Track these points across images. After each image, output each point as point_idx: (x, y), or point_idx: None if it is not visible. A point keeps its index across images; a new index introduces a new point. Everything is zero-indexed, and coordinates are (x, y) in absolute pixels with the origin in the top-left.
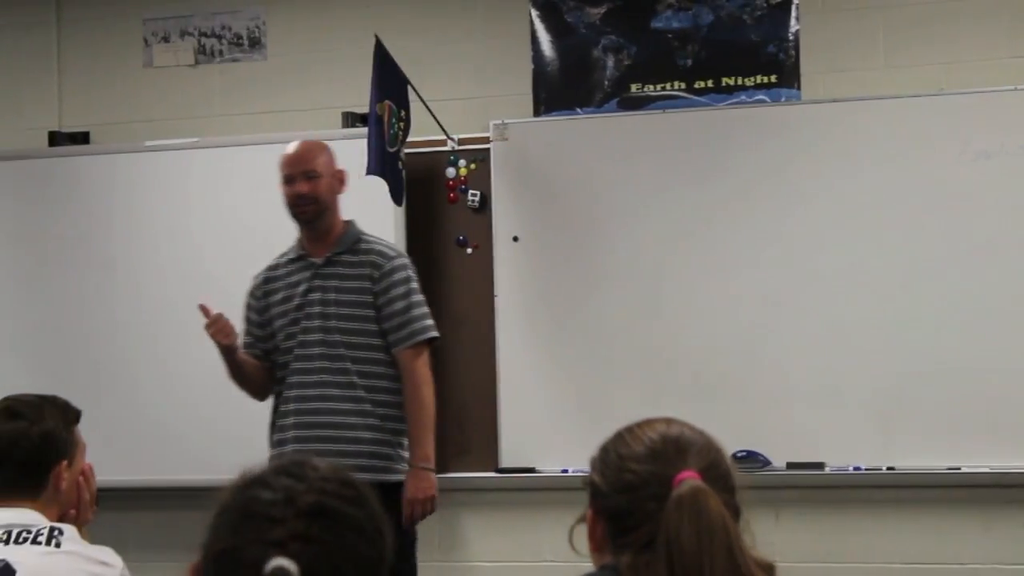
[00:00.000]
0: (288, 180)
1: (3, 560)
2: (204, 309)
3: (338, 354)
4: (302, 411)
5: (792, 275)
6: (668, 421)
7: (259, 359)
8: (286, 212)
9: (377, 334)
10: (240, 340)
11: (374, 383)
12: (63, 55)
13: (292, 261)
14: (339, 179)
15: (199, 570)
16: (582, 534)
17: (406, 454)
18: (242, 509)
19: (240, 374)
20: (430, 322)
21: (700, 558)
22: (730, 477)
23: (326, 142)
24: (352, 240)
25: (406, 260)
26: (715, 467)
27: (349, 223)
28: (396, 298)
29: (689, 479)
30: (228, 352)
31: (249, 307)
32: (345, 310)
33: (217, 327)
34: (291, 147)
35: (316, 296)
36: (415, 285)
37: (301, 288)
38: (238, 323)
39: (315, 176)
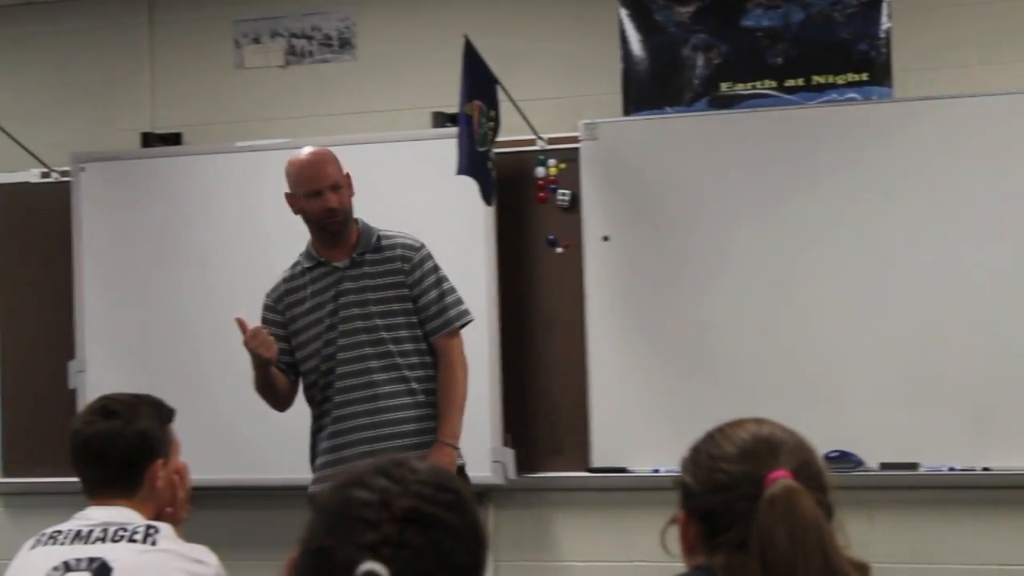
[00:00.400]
0: (317, 194)
1: (100, 558)
2: (242, 323)
3: (386, 350)
4: (361, 413)
5: (885, 273)
6: (759, 421)
7: (283, 372)
8: (307, 222)
9: (416, 324)
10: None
11: (421, 373)
12: (155, 57)
13: (310, 270)
14: (350, 184)
15: (295, 565)
16: (674, 535)
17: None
18: (338, 508)
19: (269, 386)
20: (464, 307)
21: (794, 558)
22: (822, 476)
23: (329, 150)
24: (372, 238)
25: (425, 249)
26: (807, 466)
27: (360, 222)
28: (429, 288)
29: (782, 478)
30: (265, 365)
31: (270, 322)
32: (384, 307)
33: (258, 340)
34: (304, 160)
35: (351, 298)
36: (443, 272)
37: (330, 293)
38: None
39: (340, 187)
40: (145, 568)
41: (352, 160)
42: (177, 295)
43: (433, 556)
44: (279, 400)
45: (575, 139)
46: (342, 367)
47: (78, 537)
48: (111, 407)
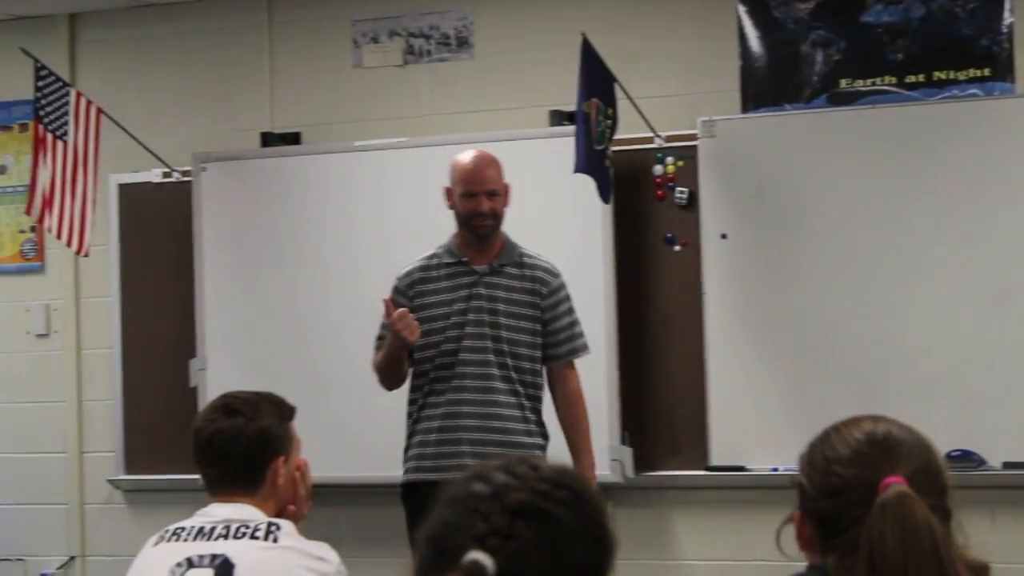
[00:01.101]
0: (472, 196)
1: (222, 554)
2: (388, 305)
3: (503, 362)
4: (475, 415)
5: (1006, 271)
6: (875, 419)
7: None
8: (457, 219)
9: (537, 346)
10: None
11: (531, 392)
12: (275, 57)
13: (448, 265)
14: (507, 193)
15: (416, 553)
16: (788, 534)
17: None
18: (457, 499)
19: (394, 368)
20: (585, 339)
21: (904, 564)
22: (941, 478)
23: (494, 156)
24: (515, 253)
25: (562, 277)
26: (924, 470)
27: (504, 234)
28: (562, 314)
29: (895, 484)
30: (403, 348)
31: (398, 304)
32: (512, 321)
33: (405, 323)
34: (470, 160)
35: (483, 303)
36: (570, 302)
37: (462, 293)
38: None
39: (497, 195)
40: (267, 565)
41: None
42: (296, 294)
43: (544, 551)
44: (394, 381)
45: (693, 137)
46: (463, 367)
47: (201, 534)
48: (233, 405)
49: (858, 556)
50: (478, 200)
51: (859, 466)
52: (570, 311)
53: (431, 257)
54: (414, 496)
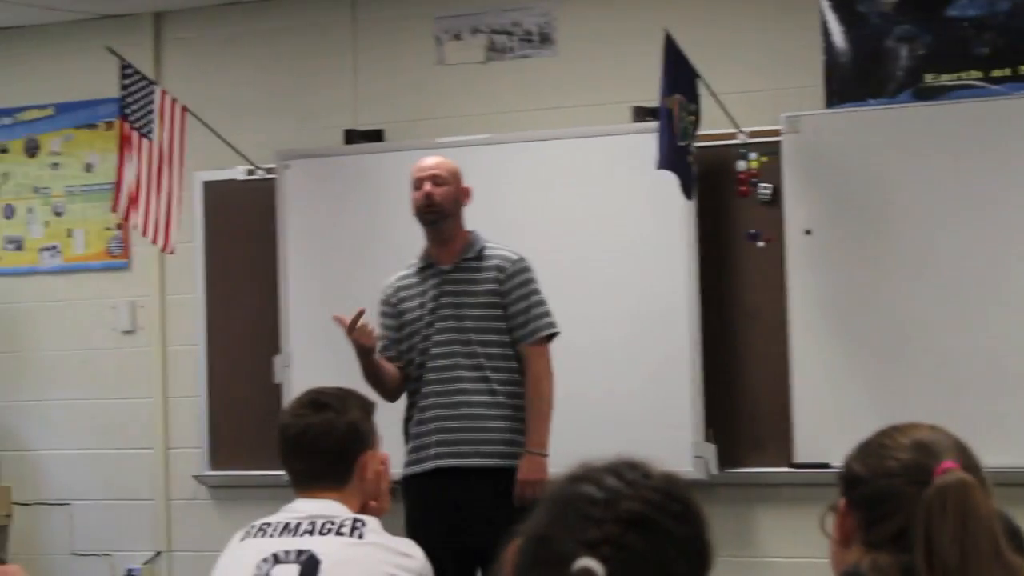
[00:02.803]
0: (417, 187)
1: (308, 550)
2: (339, 320)
3: (472, 351)
4: (441, 404)
5: None
6: (932, 427)
7: (393, 361)
8: (417, 220)
9: (505, 332)
10: (378, 345)
11: (505, 377)
12: (358, 55)
13: (421, 270)
14: (464, 192)
15: (518, 550)
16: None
17: None
18: (565, 500)
19: (375, 375)
20: (550, 319)
21: (964, 549)
22: (987, 481)
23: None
24: (477, 247)
25: (526, 263)
26: (976, 469)
27: (472, 232)
28: (519, 298)
29: (953, 469)
30: (366, 354)
31: (385, 314)
32: (477, 311)
33: (358, 331)
34: (420, 160)
35: (448, 300)
36: (536, 286)
37: (432, 293)
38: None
39: (442, 183)
40: (352, 561)
41: (552, 155)
42: (378, 290)
43: (652, 563)
44: (387, 391)
45: (776, 132)
46: (433, 361)
47: (286, 529)
48: (322, 400)
49: (902, 549)
50: (420, 187)
51: (917, 452)
52: (528, 294)
53: (411, 265)
54: (406, 491)
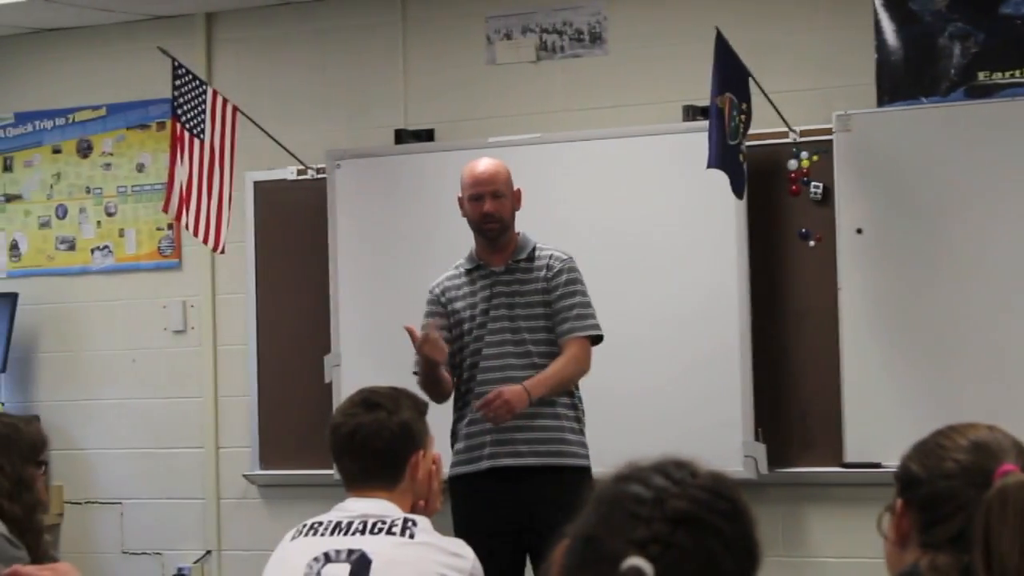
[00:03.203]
0: (476, 199)
1: (359, 550)
2: (411, 331)
3: (525, 351)
4: None
5: None
6: (991, 427)
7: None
8: (470, 225)
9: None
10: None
11: None
12: (408, 55)
13: (468, 272)
14: (517, 197)
15: (566, 550)
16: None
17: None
18: (613, 500)
19: (433, 383)
20: (593, 321)
21: (1022, 551)
22: None
23: (503, 162)
24: (527, 248)
25: (574, 263)
26: None
27: (521, 234)
28: (564, 295)
29: (1014, 472)
30: (433, 367)
31: (433, 314)
32: (529, 311)
33: (430, 346)
34: (475, 166)
35: (501, 300)
36: (582, 287)
37: (484, 295)
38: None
39: (501, 196)
40: (403, 561)
41: (602, 154)
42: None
43: (700, 562)
44: (438, 394)
45: (828, 131)
46: (485, 362)
47: (338, 529)
48: (373, 399)
49: (961, 549)
50: (482, 202)
51: (976, 453)
52: (574, 293)
53: (457, 267)
54: (454, 490)
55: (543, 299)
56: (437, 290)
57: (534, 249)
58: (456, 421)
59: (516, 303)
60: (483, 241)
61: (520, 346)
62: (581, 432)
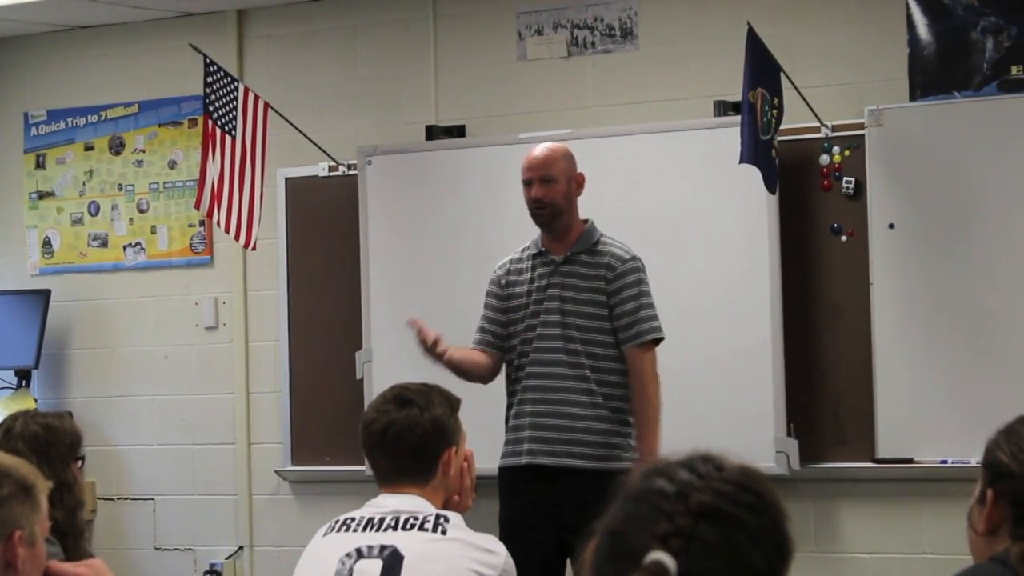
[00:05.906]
0: (526, 184)
1: (391, 545)
2: (417, 328)
3: (573, 349)
4: (538, 400)
5: None
6: None
7: (491, 344)
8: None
9: (609, 331)
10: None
11: (605, 378)
12: (439, 51)
13: (533, 256)
14: (577, 183)
15: (595, 545)
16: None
17: (633, 443)
18: (639, 495)
19: (461, 371)
20: (657, 323)
21: None
22: None
23: (565, 147)
24: (591, 240)
25: (639, 263)
26: None
27: (587, 222)
28: (627, 299)
29: None
30: (439, 359)
31: (493, 295)
32: (581, 308)
33: (432, 354)
34: (533, 150)
35: (555, 292)
36: (646, 287)
37: (541, 283)
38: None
39: (551, 181)
40: (435, 557)
41: (634, 150)
42: (461, 286)
43: (726, 555)
44: (479, 377)
45: (860, 126)
46: (534, 354)
47: (370, 524)
48: (405, 396)
49: None
50: (531, 187)
51: None
52: (637, 296)
53: (523, 250)
54: (501, 481)
55: (599, 299)
56: (500, 271)
57: (597, 242)
58: (507, 408)
59: (568, 298)
60: (543, 229)
61: (569, 343)
62: (628, 435)
